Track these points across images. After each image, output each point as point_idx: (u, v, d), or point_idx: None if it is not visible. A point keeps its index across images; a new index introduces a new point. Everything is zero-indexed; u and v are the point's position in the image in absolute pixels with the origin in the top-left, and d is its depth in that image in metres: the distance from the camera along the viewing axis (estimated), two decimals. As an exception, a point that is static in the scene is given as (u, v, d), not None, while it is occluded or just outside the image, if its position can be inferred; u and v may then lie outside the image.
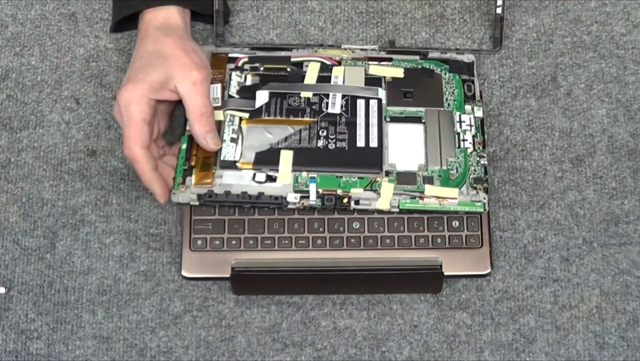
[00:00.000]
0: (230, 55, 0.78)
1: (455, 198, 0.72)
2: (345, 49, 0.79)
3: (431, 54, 0.79)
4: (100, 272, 0.77)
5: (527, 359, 0.75)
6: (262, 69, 0.77)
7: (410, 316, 0.76)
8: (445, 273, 0.74)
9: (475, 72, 0.78)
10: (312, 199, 0.72)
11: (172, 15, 0.75)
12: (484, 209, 0.72)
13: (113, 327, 0.75)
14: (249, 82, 0.76)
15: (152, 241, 0.77)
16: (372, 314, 0.76)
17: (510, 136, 0.80)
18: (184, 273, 0.74)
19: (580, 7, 0.84)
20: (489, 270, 0.75)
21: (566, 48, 0.82)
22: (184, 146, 0.73)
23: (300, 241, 0.74)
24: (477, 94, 0.77)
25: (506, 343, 0.75)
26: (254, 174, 0.72)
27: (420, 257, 0.74)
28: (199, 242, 0.74)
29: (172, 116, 0.77)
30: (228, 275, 0.74)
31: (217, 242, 0.74)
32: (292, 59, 0.77)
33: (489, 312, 0.76)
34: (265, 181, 0.72)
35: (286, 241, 0.74)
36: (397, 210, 0.72)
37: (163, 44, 0.72)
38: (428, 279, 0.74)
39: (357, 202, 0.72)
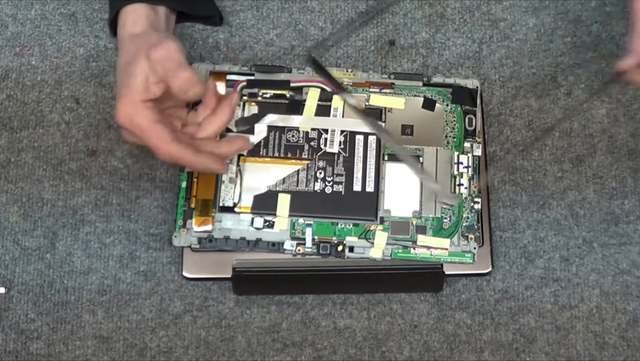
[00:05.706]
0: (228, 78, 0.76)
1: (446, 249, 0.72)
2: (346, 72, 0.77)
3: (435, 79, 0.77)
4: (100, 272, 0.76)
5: (527, 359, 0.75)
6: (260, 94, 0.76)
7: (410, 316, 0.76)
8: (446, 273, 0.74)
9: (478, 102, 0.76)
10: (308, 246, 0.72)
11: (138, 19, 0.72)
12: (473, 261, 0.73)
13: (113, 327, 0.75)
14: (247, 113, 0.75)
15: (152, 241, 0.77)
16: (372, 314, 0.76)
17: (510, 136, 0.80)
18: (185, 274, 0.74)
19: (580, 7, 0.84)
20: (489, 269, 0.75)
21: (566, 48, 0.82)
22: (184, 185, 0.73)
23: (300, 242, 0.74)
24: (479, 128, 0.76)
25: (506, 343, 0.75)
26: (252, 219, 0.72)
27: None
28: (200, 242, 0.75)
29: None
30: (229, 275, 0.74)
31: (218, 242, 0.75)
32: (292, 84, 0.76)
33: (489, 312, 0.76)
34: (263, 227, 0.72)
35: (286, 242, 0.74)
36: (390, 258, 0.72)
37: (132, 54, 0.68)
38: (429, 279, 0.74)
39: (351, 249, 0.72)
